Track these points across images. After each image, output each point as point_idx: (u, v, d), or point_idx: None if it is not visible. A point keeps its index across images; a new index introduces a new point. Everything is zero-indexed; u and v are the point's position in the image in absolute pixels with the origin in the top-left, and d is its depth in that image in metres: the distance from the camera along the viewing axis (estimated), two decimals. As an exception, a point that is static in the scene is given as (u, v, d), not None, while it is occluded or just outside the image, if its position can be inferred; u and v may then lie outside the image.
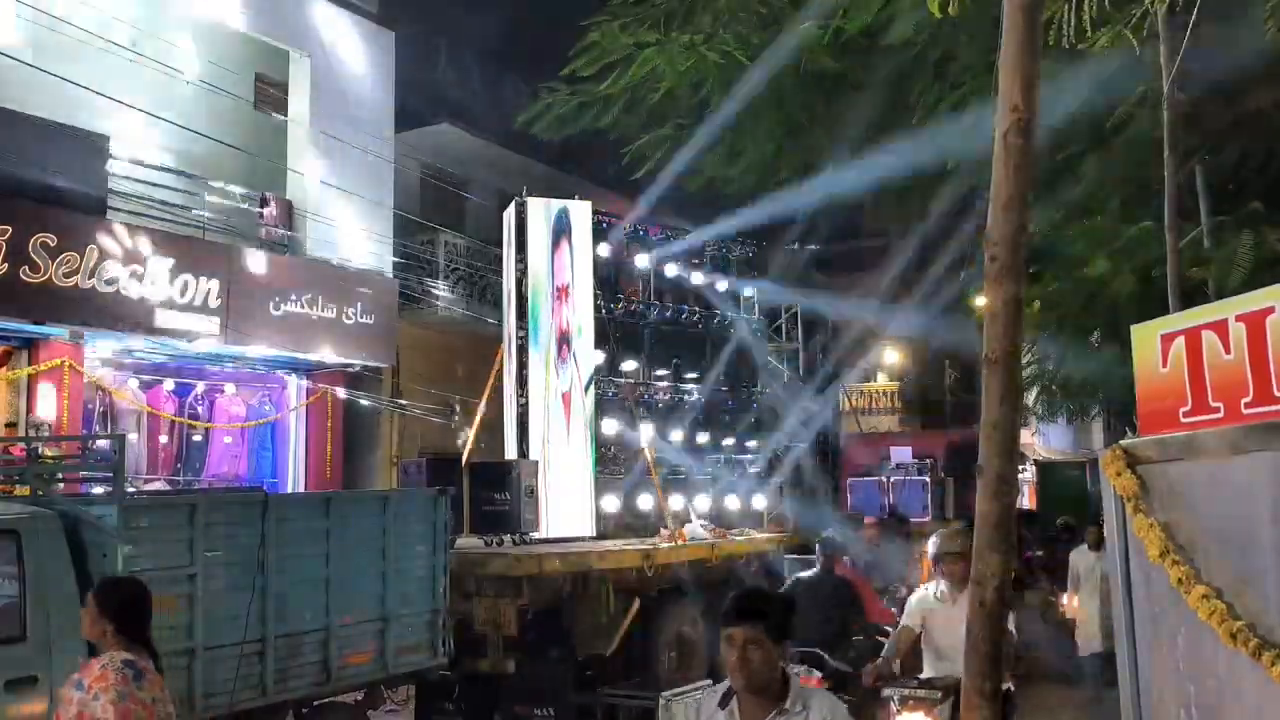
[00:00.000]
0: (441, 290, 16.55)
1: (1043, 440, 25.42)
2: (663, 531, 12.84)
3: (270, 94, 14.71)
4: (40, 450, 8.34)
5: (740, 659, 3.26)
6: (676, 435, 14.67)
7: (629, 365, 14.61)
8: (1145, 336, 4.89)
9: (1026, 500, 22.68)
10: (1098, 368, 11.44)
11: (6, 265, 10.68)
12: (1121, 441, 3.56)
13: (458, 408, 15.56)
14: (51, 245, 11.03)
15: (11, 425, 11.36)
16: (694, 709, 4.29)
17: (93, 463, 7.99)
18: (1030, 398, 14.79)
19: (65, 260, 11.08)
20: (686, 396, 15.17)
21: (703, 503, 14.57)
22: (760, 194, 11.87)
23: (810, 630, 7.88)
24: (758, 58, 8.32)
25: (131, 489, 9.38)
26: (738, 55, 8.21)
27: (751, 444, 16.01)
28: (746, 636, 3.25)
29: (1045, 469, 24.08)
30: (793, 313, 16.92)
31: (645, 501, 13.83)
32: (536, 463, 12.37)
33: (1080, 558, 11.91)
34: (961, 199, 10.02)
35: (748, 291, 16.60)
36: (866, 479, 18.34)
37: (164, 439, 13.47)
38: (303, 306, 13.72)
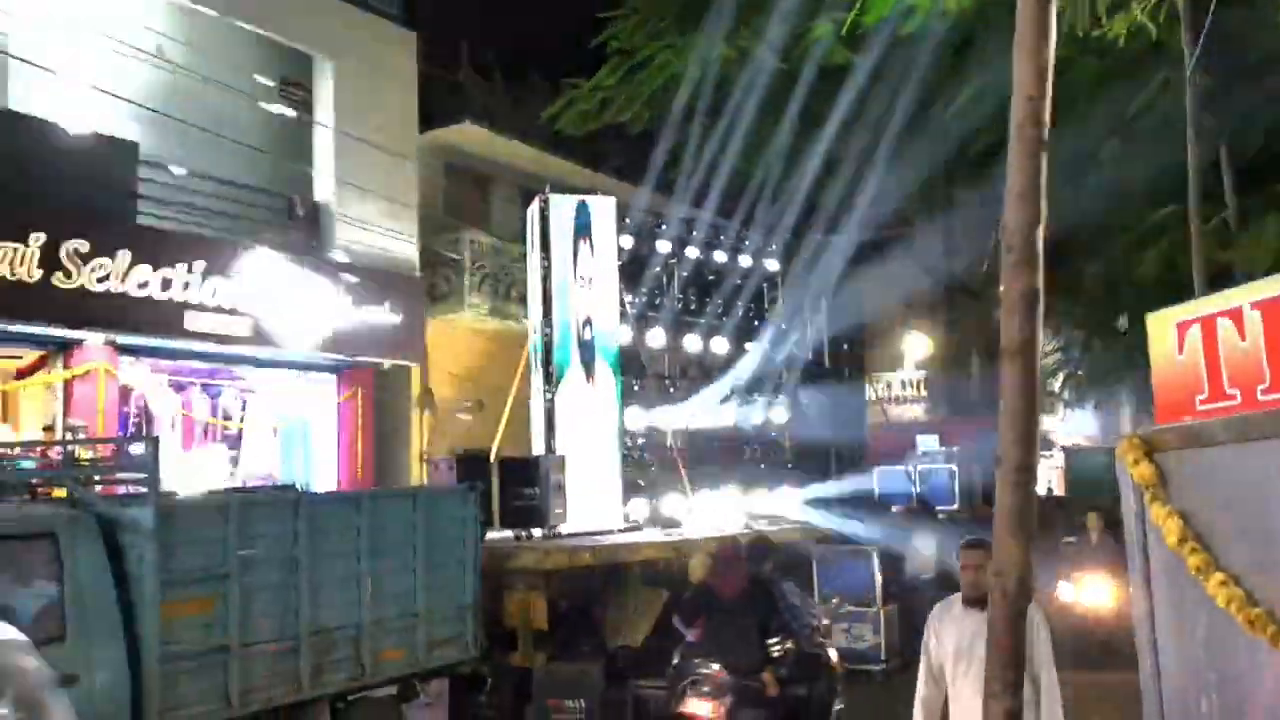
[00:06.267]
0: (468, 288, 16.26)
1: (1071, 428, 25.28)
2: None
3: (295, 96, 14.70)
4: (76, 453, 8.38)
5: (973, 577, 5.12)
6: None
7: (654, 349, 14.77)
8: (1161, 324, 4.87)
9: (1057, 487, 22.66)
10: (1123, 355, 11.40)
11: (41, 272, 10.83)
12: (1138, 430, 3.57)
13: (485, 403, 15.50)
14: (84, 251, 11.12)
15: (48, 429, 11.52)
16: (940, 610, 5.54)
17: (128, 465, 7.64)
18: (1056, 385, 14.77)
19: (97, 265, 11.22)
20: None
21: (734, 498, 14.71)
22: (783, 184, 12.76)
23: None
24: (773, 54, 8.52)
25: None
26: (753, 50, 8.43)
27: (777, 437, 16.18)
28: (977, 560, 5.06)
29: (1074, 456, 23.88)
30: (817, 300, 16.90)
31: (673, 504, 13.90)
32: (564, 457, 12.47)
33: None
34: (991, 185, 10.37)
35: (771, 266, 16.58)
36: (894, 468, 18.19)
37: (198, 440, 13.32)
38: (332, 307, 13.65)
